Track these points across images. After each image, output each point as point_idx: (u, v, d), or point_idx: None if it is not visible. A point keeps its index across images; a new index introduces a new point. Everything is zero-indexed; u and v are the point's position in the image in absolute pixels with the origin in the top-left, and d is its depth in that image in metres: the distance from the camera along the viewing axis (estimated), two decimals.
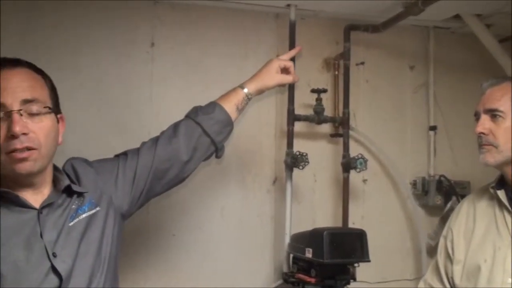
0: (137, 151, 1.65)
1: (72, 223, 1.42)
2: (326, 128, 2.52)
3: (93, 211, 1.48)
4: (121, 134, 2.27)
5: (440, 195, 2.58)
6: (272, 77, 1.84)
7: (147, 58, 2.34)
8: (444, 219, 2.40)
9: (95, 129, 2.23)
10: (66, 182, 1.46)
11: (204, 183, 2.37)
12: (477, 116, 1.74)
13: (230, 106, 1.76)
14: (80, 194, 1.48)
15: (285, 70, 1.87)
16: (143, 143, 1.69)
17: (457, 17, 2.46)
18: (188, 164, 1.69)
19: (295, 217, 2.34)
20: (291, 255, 2.24)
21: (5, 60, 1.39)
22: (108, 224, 1.51)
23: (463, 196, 2.24)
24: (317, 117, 2.37)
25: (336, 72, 2.53)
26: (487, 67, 2.53)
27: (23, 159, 1.33)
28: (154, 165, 1.62)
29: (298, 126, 2.41)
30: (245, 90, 1.80)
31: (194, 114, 1.74)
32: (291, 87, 2.35)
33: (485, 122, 1.69)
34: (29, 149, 1.33)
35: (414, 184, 2.63)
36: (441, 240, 1.89)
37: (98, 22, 2.27)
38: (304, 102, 2.45)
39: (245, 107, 1.82)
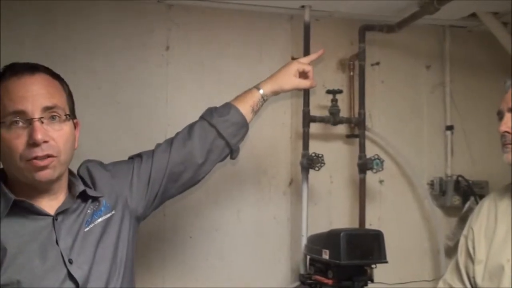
0: (151, 153, 1.65)
1: (87, 228, 1.42)
2: (341, 129, 2.52)
3: (109, 215, 1.48)
4: (136, 136, 2.28)
5: (458, 196, 2.56)
6: (290, 80, 1.80)
7: (162, 61, 2.35)
8: (462, 220, 2.38)
9: (111, 131, 2.25)
10: (81, 187, 1.45)
11: (220, 186, 2.37)
12: (500, 115, 1.70)
13: (245, 108, 1.75)
14: (95, 199, 1.48)
15: (303, 74, 1.84)
16: (158, 145, 1.69)
17: (473, 15, 2.44)
18: (203, 167, 1.68)
19: (312, 219, 2.33)
20: (308, 257, 2.23)
21: (23, 66, 1.39)
22: (124, 227, 1.51)
23: (481, 196, 2.22)
24: (333, 118, 2.37)
25: (352, 73, 2.52)
26: (505, 65, 2.50)
27: (44, 167, 1.32)
28: (168, 167, 1.62)
29: (314, 128, 2.40)
30: (261, 91, 1.77)
31: (209, 115, 1.73)
32: (306, 88, 2.34)
33: (509, 121, 1.66)
34: (49, 156, 1.33)
35: (431, 185, 2.61)
36: (462, 240, 1.87)
37: (113, 25, 2.29)
38: (319, 103, 2.45)
39: (260, 109, 1.81)
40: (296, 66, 1.82)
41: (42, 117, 1.32)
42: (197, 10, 2.38)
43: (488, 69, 2.65)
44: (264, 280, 2.40)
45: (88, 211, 1.45)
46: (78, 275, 1.34)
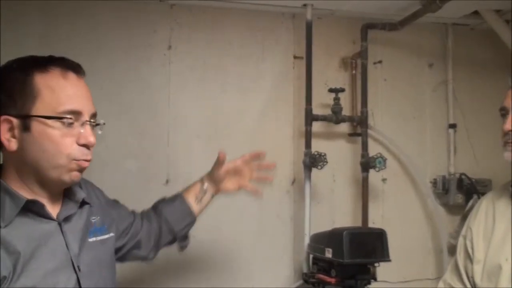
0: (132, 216, 1.69)
1: (91, 240, 1.41)
2: (344, 127, 2.52)
3: (107, 236, 1.48)
4: (139, 136, 2.29)
5: (461, 194, 2.56)
6: (221, 183, 1.85)
7: (165, 60, 2.35)
8: (465, 218, 2.37)
9: (113, 131, 2.25)
10: (83, 194, 1.43)
11: None
12: (503, 111, 1.68)
13: (190, 197, 1.79)
14: (90, 209, 1.47)
15: (238, 172, 1.85)
16: (136, 214, 1.71)
17: (476, 13, 2.43)
18: (149, 253, 1.73)
19: (314, 217, 2.34)
20: (311, 256, 2.23)
21: (77, 64, 1.36)
22: (113, 252, 1.54)
23: (484, 194, 2.22)
24: (335, 116, 2.37)
25: (354, 71, 2.52)
26: (507, 63, 2.50)
27: (83, 169, 1.33)
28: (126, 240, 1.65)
29: (316, 126, 2.40)
30: (205, 185, 1.82)
31: (158, 203, 1.78)
32: (308, 87, 2.34)
33: None
34: (89, 160, 1.34)
35: (434, 183, 2.61)
36: (460, 239, 1.87)
37: (115, 25, 2.29)
38: (321, 102, 2.45)
39: (209, 200, 1.84)
40: (226, 168, 1.82)
41: (93, 121, 1.34)
42: (199, 9, 2.38)
43: (491, 67, 2.65)
44: (267, 279, 2.40)
45: (92, 219, 1.44)
46: (87, 285, 1.34)
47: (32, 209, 1.29)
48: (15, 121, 1.26)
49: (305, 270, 2.28)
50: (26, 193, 1.30)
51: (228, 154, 2.39)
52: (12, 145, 1.27)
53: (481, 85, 2.67)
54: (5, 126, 1.26)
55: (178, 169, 2.33)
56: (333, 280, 2.05)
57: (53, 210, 1.35)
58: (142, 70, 2.32)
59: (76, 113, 1.29)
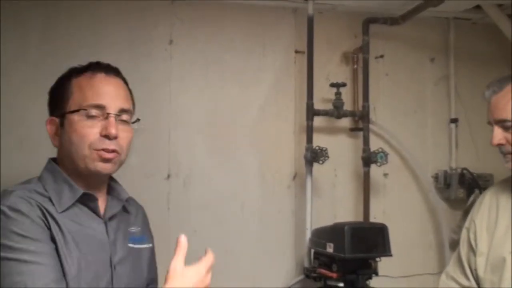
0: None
1: (131, 245, 1.47)
2: (345, 122, 2.51)
3: (145, 245, 1.53)
4: (140, 131, 2.28)
5: (463, 188, 2.56)
6: None
7: (166, 55, 2.35)
8: (467, 212, 2.37)
9: None
10: (126, 194, 1.51)
11: (224, 180, 2.38)
12: (491, 124, 1.68)
13: None
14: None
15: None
16: None
17: (477, 7, 2.43)
18: None
19: (316, 212, 2.34)
20: (312, 250, 2.24)
21: (109, 66, 1.48)
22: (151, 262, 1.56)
23: (486, 189, 2.22)
24: (337, 111, 2.36)
25: (355, 66, 2.52)
26: (509, 57, 2.49)
27: (108, 160, 1.38)
28: None
29: (318, 121, 2.40)
30: None
31: None
32: (310, 82, 2.34)
33: (498, 134, 1.64)
34: (114, 151, 1.39)
35: (436, 178, 2.61)
36: (464, 232, 1.86)
37: (116, 20, 2.29)
38: (323, 97, 2.44)
39: None
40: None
41: (118, 115, 1.40)
42: (200, 4, 2.37)
43: (493, 61, 2.64)
44: (268, 274, 2.40)
45: (132, 229, 1.49)
46: (118, 284, 1.38)
47: (85, 202, 1.39)
48: (56, 120, 1.42)
49: (306, 264, 2.28)
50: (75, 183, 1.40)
51: (230, 148, 2.41)
52: (56, 141, 1.43)
53: (483, 79, 2.64)
54: (51, 126, 1.43)
55: (179, 164, 2.33)
56: (334, 275, 2.05)
57: (100, 207, 1.43)
58: (143, 65, 2.32)
59: (100, 107, 1.38)
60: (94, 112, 1.38)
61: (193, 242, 2.27)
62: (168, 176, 2.32)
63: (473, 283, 1.78)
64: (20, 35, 2.17)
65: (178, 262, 1.29)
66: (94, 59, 2.25)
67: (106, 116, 1.38)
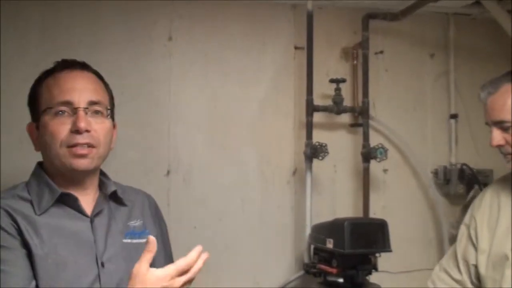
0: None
1: (126, 241, 1.44)
2: (345, 118, 2.51)
3: (144, 240, 1.38)
4: (141, 128, 2.29)
5: (462, 184, 2.55)
6: None
7: (165, 52, 2.35)
8: (466, 208, 2.37)
9: None
10: (113, 187, 1.48)
11: (223, 175, 2.38)
12: (489, 125, 1.68)
13: None
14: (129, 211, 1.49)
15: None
16: None
17: (477, 3, 2.42)
18: None
19: (316, 208, 2.34)
20: (312, 246, 2.24)
21: (75, 62, 1.47)
22: None
23: (485, 185, 2.21)
24: (336, 107, 2.36)
25: (355, 62, 2.51)
26: (509, 53, 2.49)
27: (83, 155, 1.37)
28: None
29: (317, 117, 2.40)
30: None
31: None
32: (309, 77, 2.34)
33: (497, 135, 1.64)
34: (89, 146, 1.37)
35: (435, 173, 2.61)
36: (462, 228, 1.86)
37: (115, 17, 2.29)
38: (323, 92, 2.44)
39: None
40: None
41: (87, 108, 1.39)
42: (199, 1, 2.37)
43: (492, 57, 2.63)
44: (268, 270, 2.41)
45: (131, 222, 1.47)
46: (107, 282, 1.35)
47: (67, 202, 1.39)
48: (34, 125, 1.44)
49: (306, 260, 2.29)
50: (58, 183, 1.40)
51: (229, 145, 2.41)
52: (36, 146, 1.45)
53: (482, 75, 2.64)
54: (30, 132, 1.46)
55: (179, 160, 2.33)
56: (334, 270, 2.05)
57: (87, 206, 1.41)
58: (143, 61, 2.32)
59: (67, 103, 1.38)
60: (62, 109, 1.38)
61: (193, 238, 2.29)
62: (168, 172, 2.33)
63: (465, 278, 1.78)
64: (20, 35, 2.17)
65: (142, 263, 1.24)
66: (94, 57, 2.26)
67: (75, 111, 1.38)
